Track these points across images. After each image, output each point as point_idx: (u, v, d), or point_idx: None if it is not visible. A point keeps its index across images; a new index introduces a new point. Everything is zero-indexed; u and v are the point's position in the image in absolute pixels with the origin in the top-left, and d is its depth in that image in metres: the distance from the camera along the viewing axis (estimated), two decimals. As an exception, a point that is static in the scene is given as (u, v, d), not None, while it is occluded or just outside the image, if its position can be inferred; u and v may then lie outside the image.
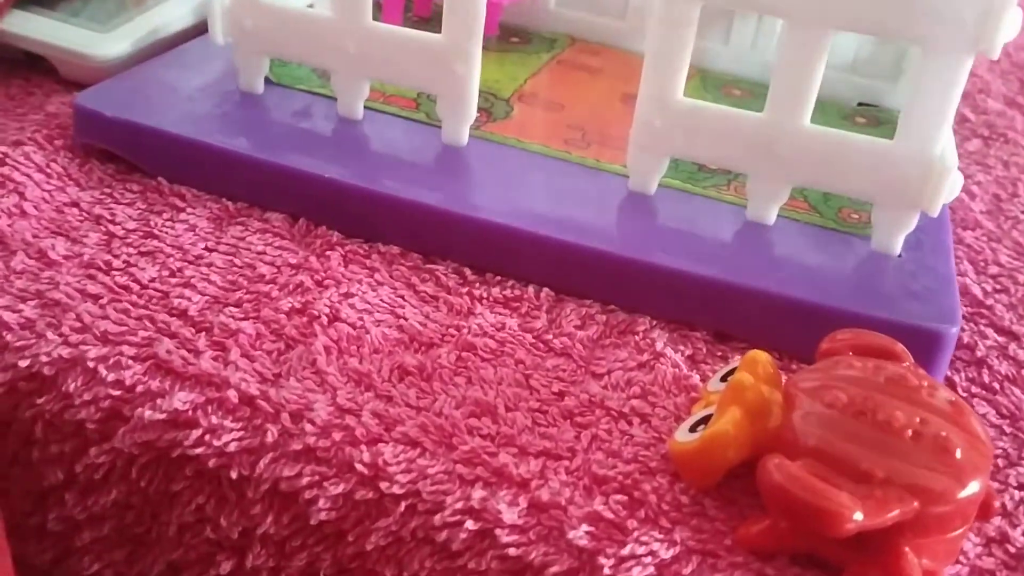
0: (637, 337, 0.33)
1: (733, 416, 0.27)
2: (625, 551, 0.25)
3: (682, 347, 0.33)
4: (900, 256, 0.35)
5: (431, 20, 0.48)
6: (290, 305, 0.32)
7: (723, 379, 0.30)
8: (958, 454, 0.25)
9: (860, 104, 0.46)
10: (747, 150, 0.34)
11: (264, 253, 0.34)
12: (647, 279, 0.33)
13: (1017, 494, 0.29)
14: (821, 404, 0.26)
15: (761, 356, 0.28)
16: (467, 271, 0.35)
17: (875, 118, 0.45)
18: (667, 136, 0.35)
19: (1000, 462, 0.30)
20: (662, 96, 0.34)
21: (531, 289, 0.34)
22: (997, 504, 0.26)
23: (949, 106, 0.32)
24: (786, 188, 0.35)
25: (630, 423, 0.29)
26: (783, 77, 0.33)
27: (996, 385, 0.33)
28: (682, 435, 0.27)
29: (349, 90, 0.38)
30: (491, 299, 0.34)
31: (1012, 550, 0.27)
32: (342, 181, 0.35)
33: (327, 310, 0.32)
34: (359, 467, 0.26)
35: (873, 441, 0.25)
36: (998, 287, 0.38)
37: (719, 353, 0.33)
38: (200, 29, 0.43)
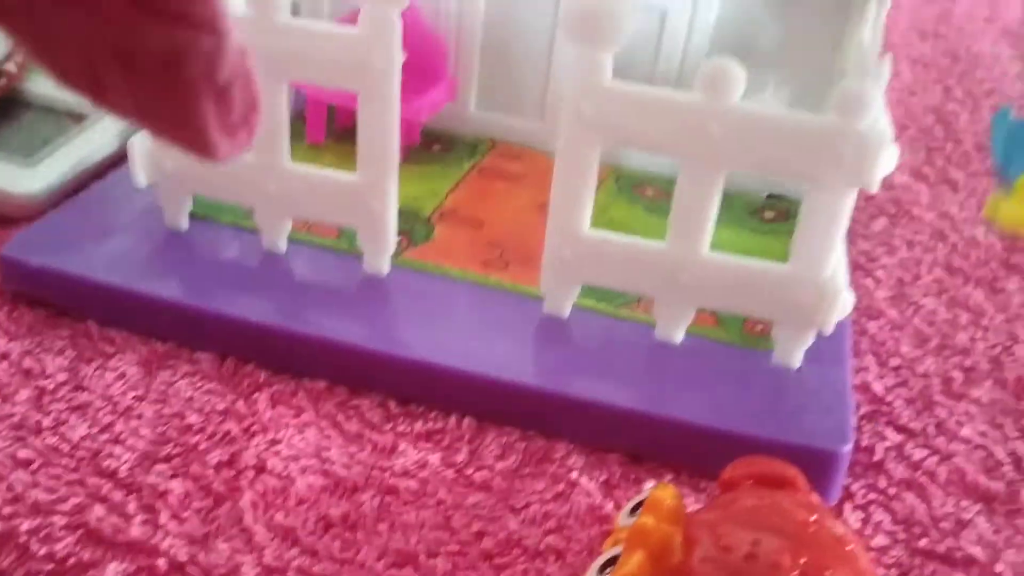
0: (554, 465, 0.34)
1: (638, 560, 0.28)
2: None
3: (597, 472, 0.34)
4: (800, 369, 0.37)
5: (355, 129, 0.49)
6: (217, 459, 0.33)
7: (633, 511, 0.32)
8: (842, 596, 0.27)
9: (769, 196, 0.48)
10: (652, 278, 0.36)
11: (192, 399, 0.35)
12: (563, 409, 0.35)
13: (907, 610, 0.31)
14: (716, 547, 0.28)
15: (664, 494, 0.30)
16: (392, 404, 0.36)
17: (784, 211, 0.47)
18: (577, 266, 0.36)
19: (892, 572, 0.32)
20: (570, 230, 0.36)
21: (453, 419, 0.36)
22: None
23: (836, 234, 0.34)
24: (691, 310, 0.36)
25: (546, 561, 0.31)
26: (681, 211, 0.35)
27: (892, 490, 0.35)
28: (592, 579, 0.29)
29: (271, 226, 0.39)
30: (414, 434, 0.35)
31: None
32: (267, 323, 0.36)
33: (254, 461, 0.33)
34: (285, 633, 0.28)
35: (763, 586, 0.27)
36: (898, 380, 0.41)
37: (633, 476, 0.34)
38: (125, 154, 0.44)
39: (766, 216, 0.46)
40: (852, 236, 0.50)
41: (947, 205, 0.54)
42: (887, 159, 0.32)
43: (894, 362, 0.42)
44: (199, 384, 0.36)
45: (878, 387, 0.40)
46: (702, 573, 0.28)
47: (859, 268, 0.48)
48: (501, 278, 0.40)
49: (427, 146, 0.49)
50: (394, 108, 0.35)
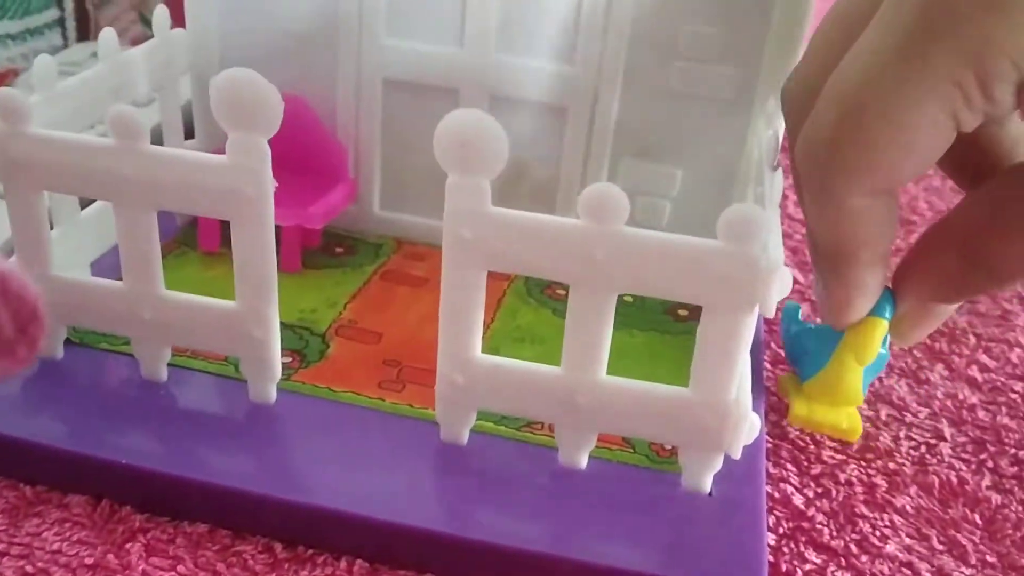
0: (449, 613, 0.32)
1: None
2: None
3: (495, 619, 0.32)
4: (711, 493, 0.35)
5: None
6: (78, 628, 0.30)
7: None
8: None
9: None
10: (549, 403, 0.34)
11: (60, 552, 0.33)
12: (459, 551, 0.32)
13: None
14: None
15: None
16: (278, 547, 0.34)
17: (699, 308, 0.45)
18: (471, 392, 0.35)
19: None
20: (461, 355, 0.34)
21: (344, 563, 0.33)
22: None
23: (737, 356, 0.32)
24: (592, 435, 0.35)
25: None
26: (575, 336, 0.33)
27: (810, 622, 0.33)
28: None
29: (149, 355, 0.37)
30: (299, 583, 0.33)
31: None
32: (143, 467, 0.34)
33: (118, 628, 0.30)
34: None
35: None
36: (819, 490, 0.39)
37: (533, 621, 0.32)
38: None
39: (680, 314, 0.45)
40: (773, 328, 0.49)
41: (872, 286, 0.53)
42: (781, 283, 0.31)
43: (815, 470, 0.40)
44: (68, 533, 0.33)
45: (799, 500, 0.38)
46: None
47: (781, 364, 0.46)
48: (397, 400, 0.38)
49: (330, 249, 0.47)
50: (269, 234, 0.33)
